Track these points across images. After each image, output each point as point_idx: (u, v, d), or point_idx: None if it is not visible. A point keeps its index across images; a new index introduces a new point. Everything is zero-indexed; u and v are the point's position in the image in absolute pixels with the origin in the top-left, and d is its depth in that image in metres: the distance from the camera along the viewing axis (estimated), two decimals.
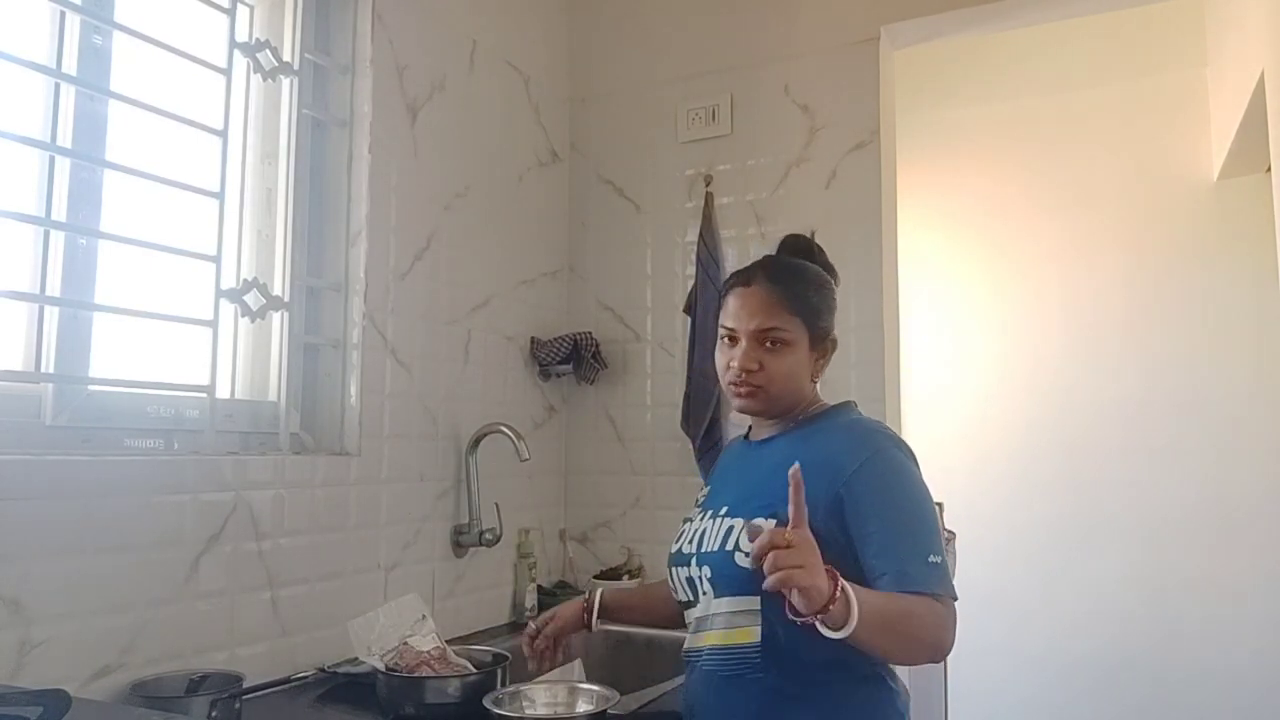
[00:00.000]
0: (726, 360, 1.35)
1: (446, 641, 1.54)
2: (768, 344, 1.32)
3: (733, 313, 1.35)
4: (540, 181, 2.40)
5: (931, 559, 1.17)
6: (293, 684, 1.55)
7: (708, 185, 2.32)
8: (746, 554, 1.23)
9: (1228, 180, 3.11)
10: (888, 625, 1.10)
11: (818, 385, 1.40)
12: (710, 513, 1.36)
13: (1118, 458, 3.24)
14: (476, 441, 2.02)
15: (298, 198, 1.77)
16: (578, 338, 2.31)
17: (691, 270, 2.28)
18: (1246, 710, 2.98)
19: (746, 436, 1.46)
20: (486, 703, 1.29)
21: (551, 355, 2.30)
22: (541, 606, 2.18)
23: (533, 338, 2.32)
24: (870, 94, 2.19)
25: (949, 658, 1.24)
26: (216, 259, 1.58)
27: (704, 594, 1.31)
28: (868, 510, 1.21)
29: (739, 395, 1.35)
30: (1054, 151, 3.43)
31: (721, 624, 1.28)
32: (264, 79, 1.73)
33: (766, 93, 2.30)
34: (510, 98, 2.30)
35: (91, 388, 1.45)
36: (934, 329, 3.57)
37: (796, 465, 1.09)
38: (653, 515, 2.33)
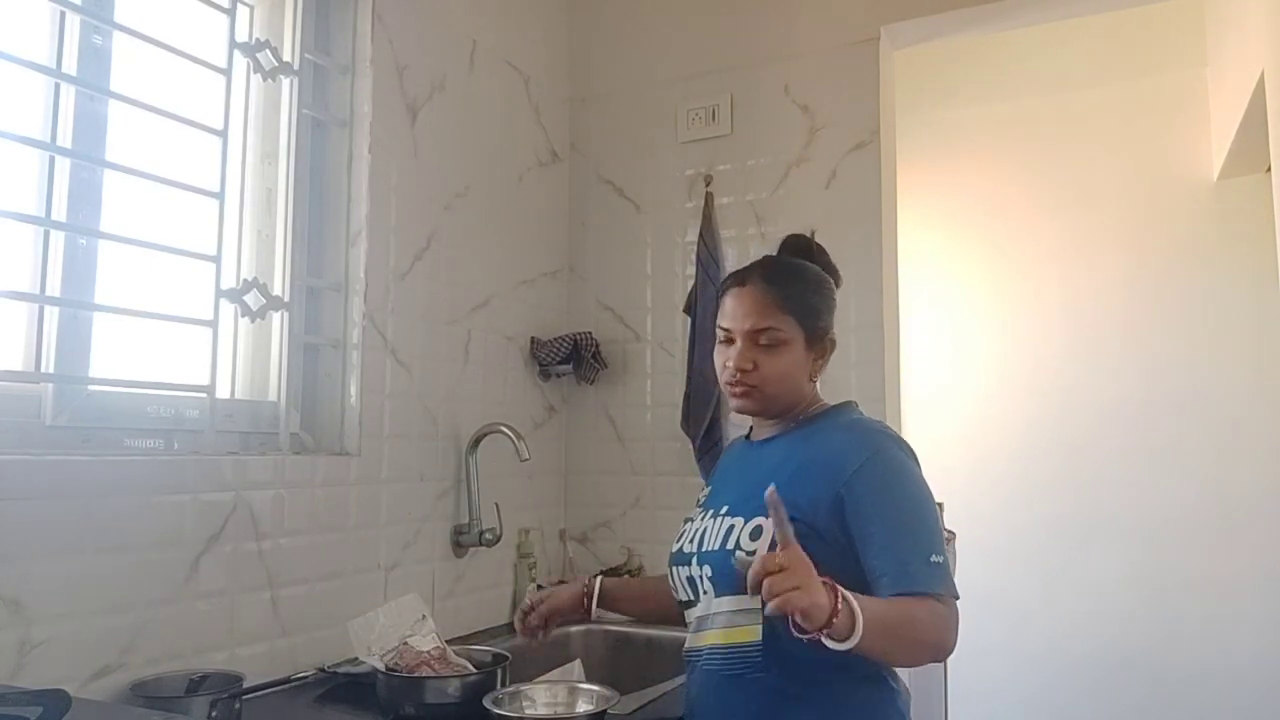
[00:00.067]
0: (723, 360, 1.36)
1: (446, 641, 1.53)
2: (762, 343, 1.32)
3: (729, 313, 1.36)
4: (540, 181, 2.40)
5: (933, 559, 1.17)
6: (293, 684, 1.55)
7: (708, 185, 2.32)
8: (747, 553, 1.24)
9: (1228, 180, 3.12)
10: (891, 632, 1.10)
11: (818, 385, 1.40)
12: (711, 512, 1.36)
13: (1118, 458, 3.24)
14: (476, 441, 2.02)
15: (298, 198, 1.77)
16: (578, 338, 2.31)
17: (691, 270, 2.28)
18: (1246, 710, 2.98)
19: (748, 436, 1.46)
20: (486, 703, 1.29)
21: (551, 355, 2.30)
22: None
23: (533, 338, 2.32)
24: (870, 94, 2.19)
25: (950, 657, 1.24)
26: (216, 259, 1.58)
27: (704, 593, 1.31)
28: (869, 510, 1.21)
29: (735, 395, 1.36)
30: (1054, 151, 3.43)
31: (722, 623, 1.28)
32: (264, 79, 1.73)
33: (766, 93, 2.30)
34: (510, 98, 2.30)
35: (91, 388, 1.45)
36: (934, 329, 3.57)
37: (772, 488, 1.09)
38: (653, 515, 2.33)
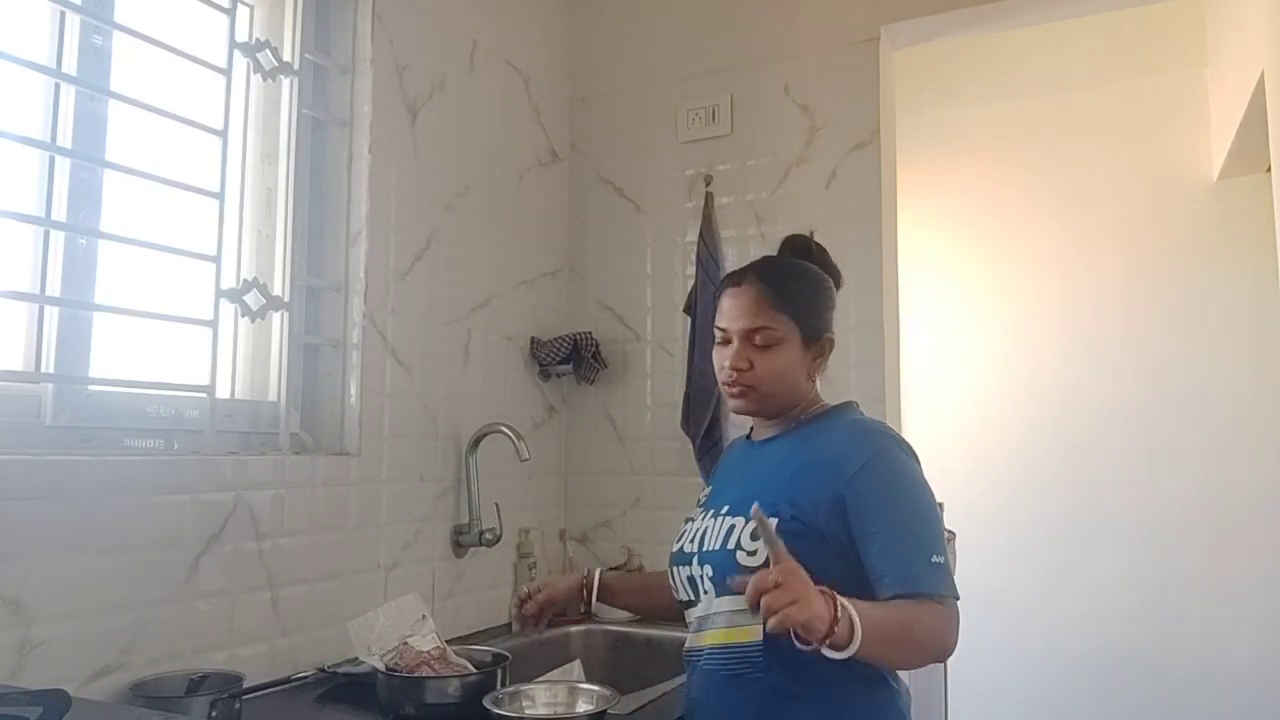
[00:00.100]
0: (720, 361, 1.36)
1: (446, 641, 1.53)
2: (757, 343, 1.33)
3: (724, 313, 1.36)
4: (540, 181, 2.40)
5: (934, 559, 1.18)
6: (293, 684, 1.55)
7: (708, 185, 2.32)
8: (749, 553, 1.24)
9: (1228, 180, 3.12)
10: (890, 637, 1.11)
11: (817, 385, 1.40)
12: (712, 512, 1.36)
13: (1118, 458, 3.24)
14: (476, 441, 2.02)
15: (298, 198, 1.76)
16: (578, 338, 2.31)
17: (691, 270, 2.28)
18: (1246, 710, 2.98)
19: (749, 436, 1.46)
20: (486, 703, 1.29)
21: (551, 355, 2.30)
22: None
23: (533, 338, 2.32)
24: (870, 94, 2.19)
25: (950, 658, 1.24)
26: (216, 259, 1.58)
27: (705, 593, 1.31)
28: (870, 510, 1.21)
29: (732, 395, 1.36)
30: (1054, 151, 3.43)
31: (723, 623, 1.28)
32: (264, 79, 1.73)
33: (766, 93, 2.30)
34: (510, 98, 2.30)
35: (91, 388, 1.45)
36: (934, 329, 3.57)
37: (756, 506, 1.09)
38: (653, 515, 2.33)
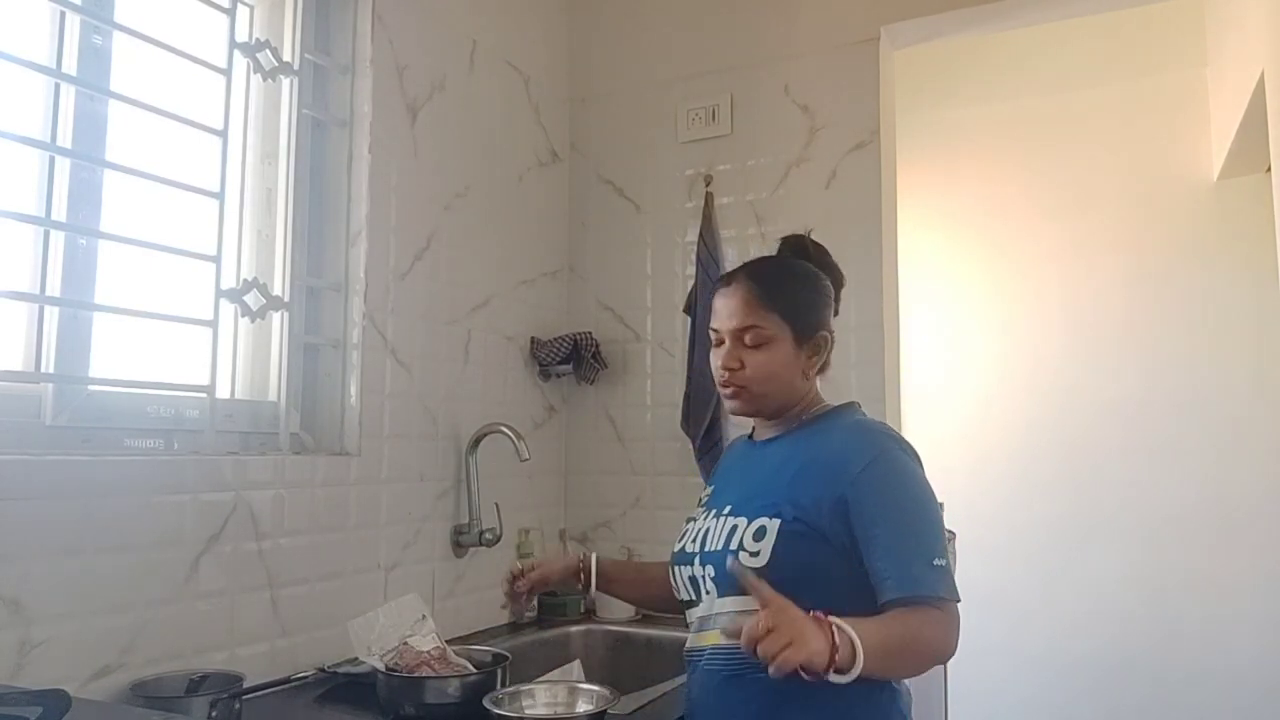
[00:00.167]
0: (714, 362, 1.37)
1: (446, 641, 1.54)
2: (748, 342, 1.33)
3: (717, 313, 1.37)
4: (540, 181, 2.40)
5: (936, 562, 1.18)
6: (293, 684, 1.55)
7: (708, 185, 2.32)
8: (751, 554, 1.24)
9: (1228, 180, 3.11)
10: (892, 651, 1.11)
11: (817, 384, 1.40)
12: (714, 512, 1.36)
13: (1118, 457, 3.24)
14: (476, 441, 2.02)
15: (298, 198, 1.77)
16: (578, 338, 2.31)
17: (691, 270, 2.28)
18: (1246, 710, 2.98)
19: (750, 436, 1.46)
20: (486, 703, 1.29)
21: (551, 355, 2.30)
22: (542, 607, 2.18)
23: (533, 338, 2.32)
24: (870, 94, 2.19)
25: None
26: (216, 259, 1.58)
27: (707, 593, 1.31)
28: (872, 512, 1.21)
29: (726, 396, 1.37)
30: (1054, 152, 3.43)
31: (724, 623, 1.27)
32: (264, 79, 1.73)
33: (766, 93, 2.30)
34: (510, 98, 2.30)
35: (91, 388, 1.45)
36: (934, 329, 3.57)
37: (733, 560, 1.11)
38: (653, 515, 2.33)
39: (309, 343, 1.81)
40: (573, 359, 2.29)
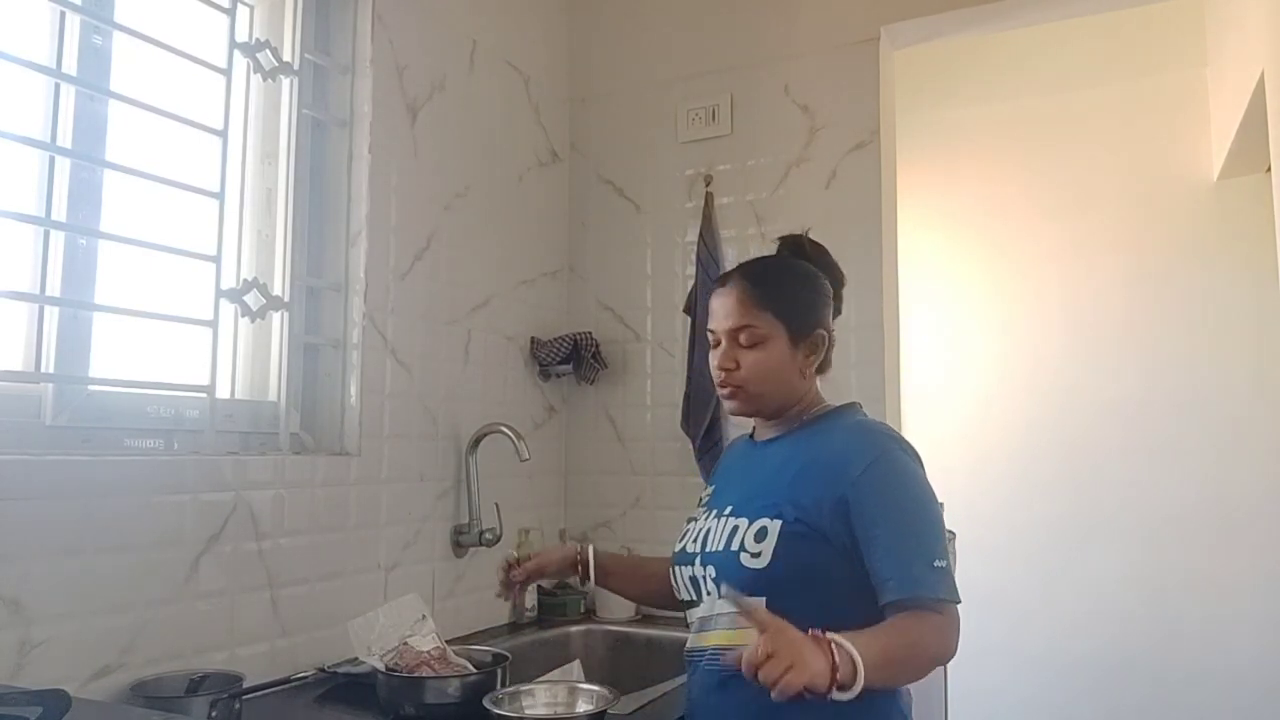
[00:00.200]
0: (712, 362, 1.37)
1: (446, 641, 1.54)
2: (743, 342, 1.33)
3: (713, 314, 1.38)
4: (540, 181, 2.40)
5: (936, 563, 1.18)
6: (293, 684, 1.55)
7: (708, 185, 2.32)
8: (752, 555, 1.24)
9: (1228, 180, 3.12)
10: (892, 661, 1.10)
11: (817, 384, 1.40)
12: (715, 512, 1.36)
13: (1118, 457, 3.24)
14: (476, 441, 2.02)
15: (298, 198, 1.77)
16: (578, 338, 2.31)
17: (691, 270, 2.28)
18: (1246, 710, 2.98)
19: (751, 436, 1.46)
20: (486, 703, 1.29)
21: (551, 355, 2.30)
22: (542, 607, 2.18)
23: (533, 338, 2.32)
24: (870, 94, 2.19)
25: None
26: (216, 259, 1.58)
27: (708, 594, 1.31)
28: (873, 513, 1.21)
29: (724, 396, 1.38)
30: (1054, 152, 3.43)
31: (726, 624, 1.28)
32: (264, 79, 1.73)
33: (766, 93, 2.30)
34: (510, 98, 2.30)
35: (91, 388, 1.45)
36: (934, 329, 3.57)
37: (726, 588, 1.09)
38: (653, 515, 2.33)
39: (309, 343, 1.81)
40: (573, 359, 2.29)
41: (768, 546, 1.23)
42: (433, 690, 1.39)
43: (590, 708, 1.31)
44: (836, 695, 1.02)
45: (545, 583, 2.26)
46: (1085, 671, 3.23)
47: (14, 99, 1.37)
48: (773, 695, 1.00)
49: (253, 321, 1.67)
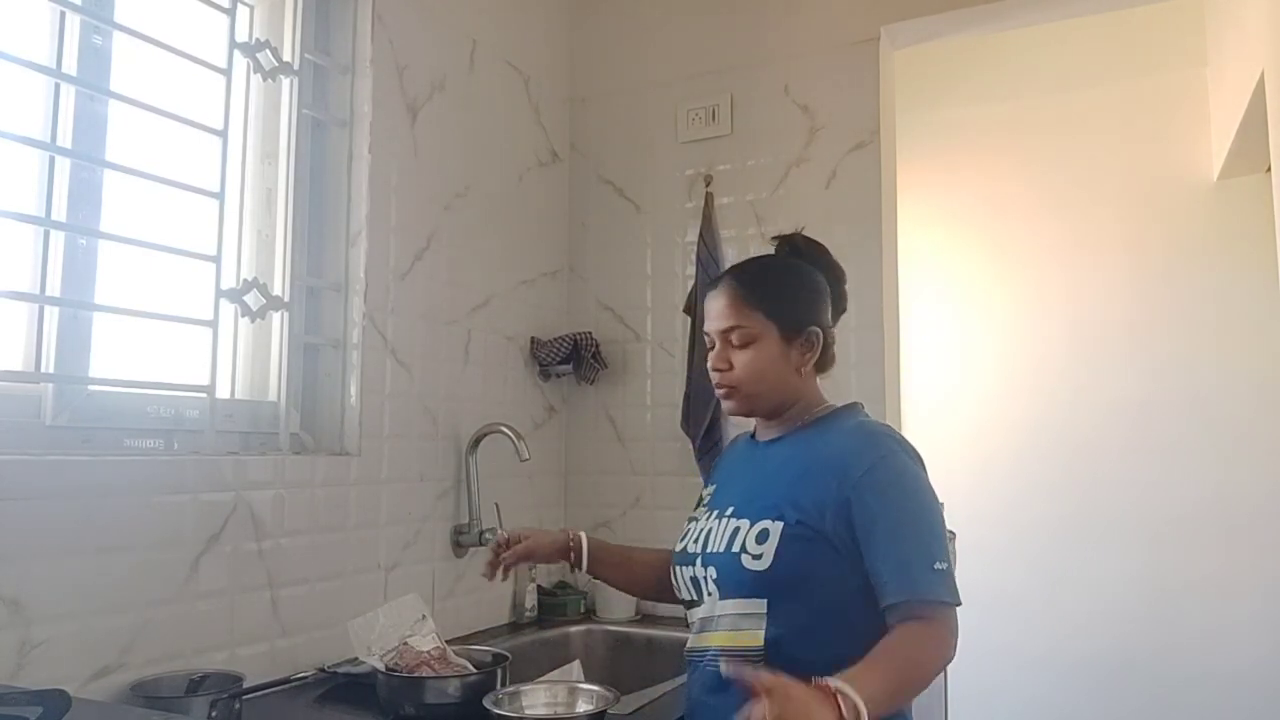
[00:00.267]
0: (709, 364, 1.38)
1: (446, 641, 1.54)
2: (734, 342, 1.34)
3: (706, 316, 1.38)
4: (540, 181, 2.40)
5: (937, 566, 1.18)
6: (293, 684, 1.55)
7: (708, 185, 2.32)
8: (754, 556, 1.24)
9: (1228, 180, 3.11)
10: (897, 691, 1.11)
11: (817, 383, 1.39)
12: (716, 513, 1.35)
13: (1120, 458, 3.24)
14: (476, 441, 2.02)
15: (298, 198, 1.77)
16: (578, 338, 2.31)
17: (691, 270, 2.28)
18: (1249, 712, 2.98)
19: (753, 436, 1.45)
20: (486, 703, 1.29)
21: (551, 355, 2.30)
22: (541, 607, 2.19)
23: (533, 338, 2.32)
24: (870, 94, 2.19)
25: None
26: (216, 259, 1.58)
27: (709, 595, 1.31)
28: (874, 515, 1.21)
29: (720, 396, 1.38)
30: (1054, 151, 3.43)
31: (727, 625, 1.28)
32: (264, 79, 1.73)
33: (766, 93, 2.30)
34: (510, 98, 2.30)
35: (91, 388, 1.45)
36: (935, 328, 3.57)
37: (725, 665, 1.07)
38: (653, 515, 2.33)
39: (309, 343, 1.81)
40: (573, 359, 2.29)
41: (769, 548, 1.23)
42: (433, 690, 1.39)
43: (590, 708, 1.31)
44: None
45: (544, 583, 2.27)
46: (1087, 672, 3.23)
47: (14, 99, 1.37)
48: None
49: (253, 321, 1.67)
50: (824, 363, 1.38)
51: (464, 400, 2.07)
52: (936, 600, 1.16)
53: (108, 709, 1.21)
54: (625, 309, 2.42)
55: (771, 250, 1.47)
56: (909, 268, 2.64)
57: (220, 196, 1.59)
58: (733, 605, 1.27)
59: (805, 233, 1.46)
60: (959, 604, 1.18)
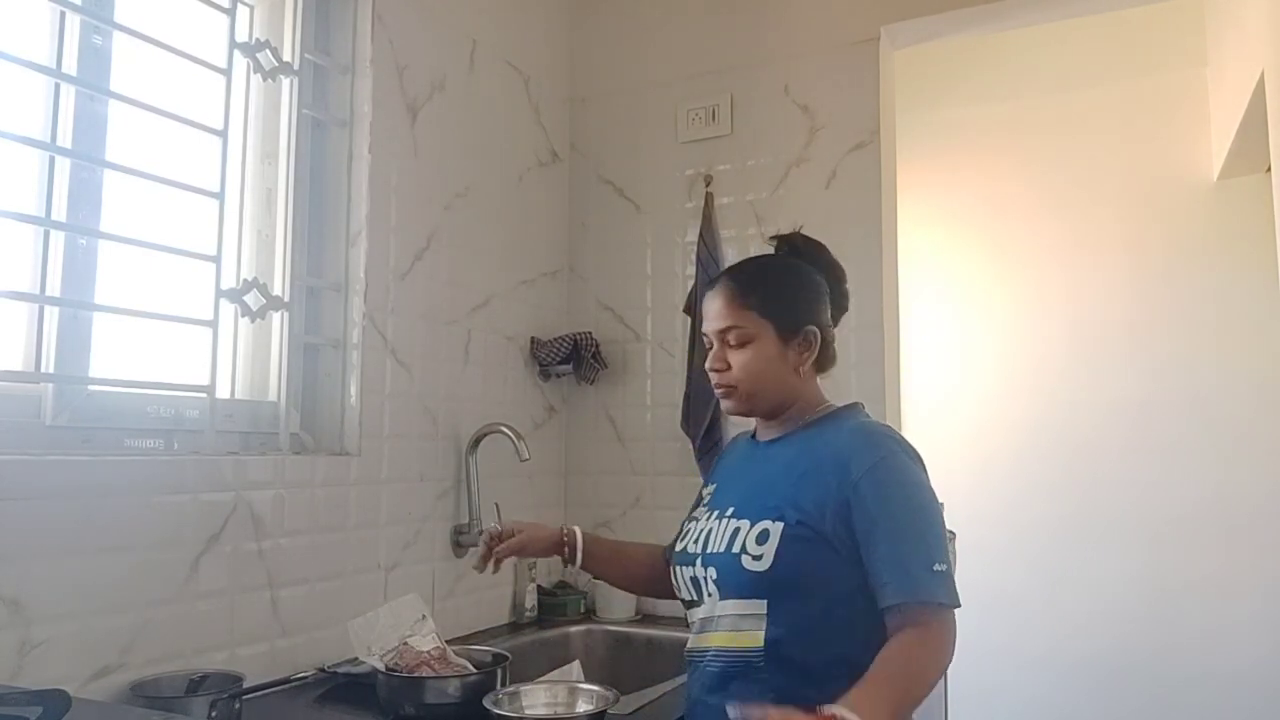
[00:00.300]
0: (707, 364, 1.38)
1: (446, 641, 1.54)
2: (731, 342, 1.34)
3: (704, 317, 1.39)
4: (540, 181, 2.40)
5: (936, 567, 1.17)
6: (293, 684, 1.55)
7: (708, 185, 2.32)
8: (754, 557, 1.24)
9: (1228, 180, 3.11)
10: (901, 705, 1.10)
11: (817, 382, 1.39)
12: (716, 513, 1.35)
13: (1120, 458, 3.24)
14: (476, 441, 2.02)
15: (298, 198, 1.77)
16: (578, 338, 2.31)
17: (691, 270, 2.28)
18: (1248, 712, 2.97)
19: (753, 435, 1.45)
20: (486, 703, 1.29)
21: (551, 355, 2.30)
22: (541, 607, 2.19)
23: (533, 338, 2.32)
24: (870, 94, 2.19)
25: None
26: (216, 259, 1.58)
27: (709, 595, 1.31)
28: (874, 516, 1.21)
29: (719, 397, 1.38)
30: (1054, 151, 3.43)
31: (727, 626, 1.27)
32: (264, 79, 1.73)
33: (766, 93, 2.30)
34: (510, 98, 2.30)
35: (91, 388, 1.45)
36: (935, 328, 3.57)
37: (732, 708, 1.08)
38: (653, 515, 2.33)
39: (309, 343, 1.81)
40: (573, 359, 2.29)
41: (769, 549, 1.23)
42: (433, 690, 1.39)
43: (590, 708, 1.31)
44: None
45: (544, 583, 2.27)
46: (1086, 672, 3.23)
47: (14, 99, 1.37)
48: None
49: (253, 321, 1.67)
50: (824, 362, 1.38)
51: (464, 400, 2.07)
52: (935, 603, 1.16)
53: (108, 709, 1.21)
54: (625, 309, 2.42)
55: (771, 250, 1.47)
56: (909, 268, 2.64)
57: (220, 196, 1.59)
58: (733, 606, 1.27)
59: (804, 232, 1.46)
60: (958, 606, 1.18)
